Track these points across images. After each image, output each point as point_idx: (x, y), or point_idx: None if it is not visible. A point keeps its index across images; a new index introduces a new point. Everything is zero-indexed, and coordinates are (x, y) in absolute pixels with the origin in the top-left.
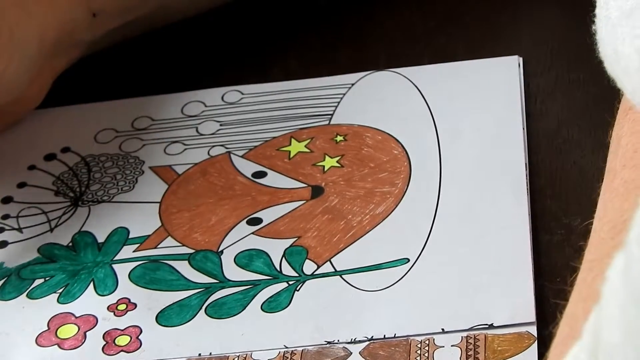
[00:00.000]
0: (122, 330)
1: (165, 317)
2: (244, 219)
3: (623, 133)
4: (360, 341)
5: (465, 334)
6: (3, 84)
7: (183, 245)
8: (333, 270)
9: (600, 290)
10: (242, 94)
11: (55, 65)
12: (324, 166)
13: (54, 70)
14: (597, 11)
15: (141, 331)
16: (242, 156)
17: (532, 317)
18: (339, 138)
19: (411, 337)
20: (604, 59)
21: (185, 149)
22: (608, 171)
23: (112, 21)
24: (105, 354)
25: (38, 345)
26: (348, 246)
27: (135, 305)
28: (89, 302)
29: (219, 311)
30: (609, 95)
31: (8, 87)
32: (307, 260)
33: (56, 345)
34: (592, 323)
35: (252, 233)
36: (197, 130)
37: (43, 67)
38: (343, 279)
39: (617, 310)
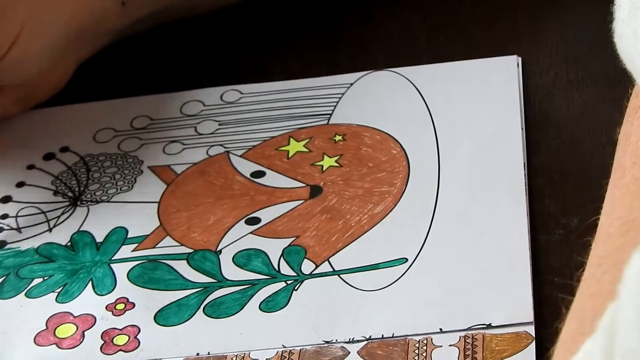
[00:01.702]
0: (120, 329)
1: (164, 317)
2: (242, 219)
3: (633, 130)
4: (358, 341)
5: (463, 333)
6: (23, 66)
7: (181, 244)
8: (331, 269)
9: (614, 288)
10: (241, 93)
11: (80, 52)
12: (322, 166)
13: (78, 57)
14: None
15: (139, 330)
16: (240, 156)
17: (530, 317)
18: (338, 138)
19: (409, 337)
20: (620, 40)
21: (184, 149)
22: (616, 168)
23: (141, 10)
24: (103, 353)
25: (36, 344)
26: (346, 246)
27: (134, 304)
28: (87, 301)
29: (217, 311)
30: (608, 96)
31: (27, 70)
32: (305, 260)
33: (54, 345)
34: (607, 323)
35: (251, 232)
36: (195, 130)
37: (67, 53)
38: (341, 278)
39: (634, 313)
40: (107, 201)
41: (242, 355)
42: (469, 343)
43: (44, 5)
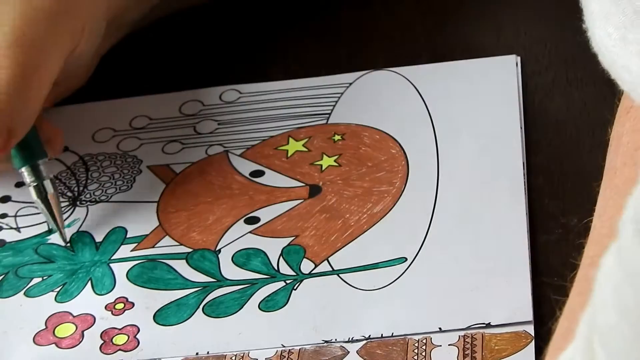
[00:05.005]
0: (119, 329)
1: (163, 316)
2: (241, 218)
3: (624, 131)
4: (357, 340)
5: (462, 333)
6: (80, 61)
7: (181, 244)
8: (330, 269)
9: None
10: (240, 93)
11: (104, 45)
12: (321, 165)
13: (102, 49)
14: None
15: (139, 330)
16: (240, 155)
17: (529, 316)
18: (337, 137)
19: (408, 336)
20: (597, 53)
21: (183, 148)
22: (608, 169)
23: None
24: (102, 352)
25: (36, 344)
26: (345, 245)
27: (133, 304)
28: (86, 301)
29: (217, 310)
30: (607, 95)
31: (80, 65)
32: (304, 259)
33: (54, 344)
34: (586, 315)
35: (250, 232)
36: (194, 130)
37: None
38: (340, 278)
39: (611, 291)
40: (106, 201)
41: (242, 354)
42: (468, 342)
43: (94, 2)
